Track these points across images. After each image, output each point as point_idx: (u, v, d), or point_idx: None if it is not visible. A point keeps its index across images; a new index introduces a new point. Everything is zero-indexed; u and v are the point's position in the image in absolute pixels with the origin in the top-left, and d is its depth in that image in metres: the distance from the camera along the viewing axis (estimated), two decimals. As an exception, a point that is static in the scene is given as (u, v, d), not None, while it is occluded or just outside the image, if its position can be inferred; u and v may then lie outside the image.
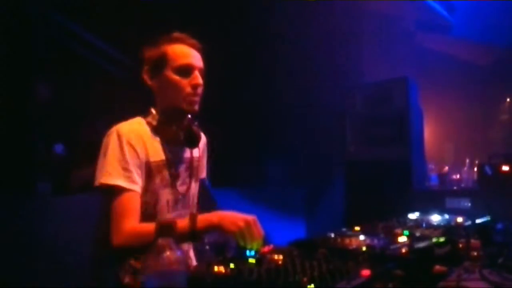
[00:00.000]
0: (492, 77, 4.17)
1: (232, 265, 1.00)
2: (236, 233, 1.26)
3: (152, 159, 1.47)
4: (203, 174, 1.77)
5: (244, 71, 3.60)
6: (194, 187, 1.64)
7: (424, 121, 3.74)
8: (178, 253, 0.91)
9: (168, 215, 1.50)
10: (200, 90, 1.49)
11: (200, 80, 1.48)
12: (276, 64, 3.79)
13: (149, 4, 3.04)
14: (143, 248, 1.28)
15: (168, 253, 0.90)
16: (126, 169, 1.39)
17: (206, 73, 1.55)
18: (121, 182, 1.38)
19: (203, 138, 1.73)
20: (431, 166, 3.57)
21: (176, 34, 1.51)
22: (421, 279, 1.07)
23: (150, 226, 1.31)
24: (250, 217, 1.31)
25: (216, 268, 0.98)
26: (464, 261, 1.27)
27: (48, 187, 2.66)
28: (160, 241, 0.91)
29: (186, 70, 1.47)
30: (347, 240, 1.27)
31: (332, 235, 1.36)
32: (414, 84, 3.54)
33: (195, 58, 1.50)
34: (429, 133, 4.02)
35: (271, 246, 1.21)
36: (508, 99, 4.29)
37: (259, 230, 1.29)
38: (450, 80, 4.15)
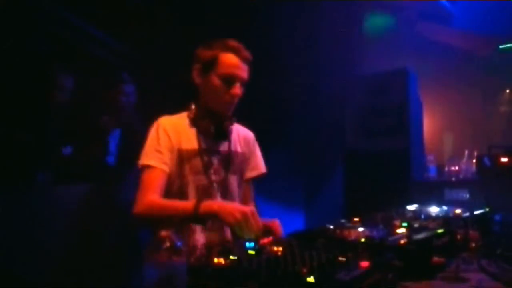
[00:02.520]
0: (492, 68, 4.16)
1: (231, 256, 1.00)
2: (233, 224, 1.32)
3: (184, 146, 1.61)
4: (251, 173, 1.83)
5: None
6: (233, 180, 1.71)
7: (423, 112, 3.73)
8: (178, 244, 0.91)
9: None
10: (237, 99, 1.62)
11: (239, 92, 1.60)
12: (275, 55, 3.76)
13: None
14: (159, 220, 1.51)
15: (168, 244, 0.91)
16: (158, 151, 1.57)
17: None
18: (151, 161, 1.55)
19: (248, 136, 1.84)
20: (430, 157, 3.57)
21: (232, 43, 1.62)
22: (420, 270, 1.08)
23: (169, 202, 1.52)
24: (248, 209, 1.35)
25: (215, 259, 0.99)
26: (462, 252, 1.28)
27: (48, 177, 2.66)
28: (161, 232, 0.91)
29: (230, 80, 1.59)
30: (346, 232, 1.28)
31: (331, 226, 1.37)
32: (413, 75, 3.53)
33: (241, 70, 1.61)
34: (428, 124, 4.01)
35: (271, 237, 1.21)
36: (507, 90, 4.28)
37: (257, 222, 1.33)
38: (450, 71, 4.14)
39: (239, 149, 1.76)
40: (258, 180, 1.92)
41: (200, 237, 1.58)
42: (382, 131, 3.49)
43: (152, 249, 0.92)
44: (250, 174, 1.83)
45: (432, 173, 3.51)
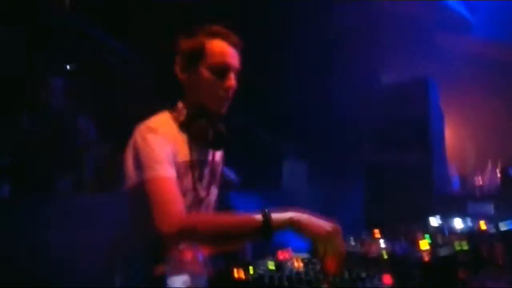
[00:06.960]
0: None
1: (251, 271, 1.00)
2: (321, 239, 1.08)
3: (179, 159, 1.35)
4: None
5: (260, 72, 3.61)
6: (214, 193, 1.51)
7: (445, 123, 3.67)
8: (200, 256, 0.92)
9: None
10: (232, 93, 1.39)
11: (234, 83, 1.37)
12: (294, 64, 3.77)
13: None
14: (204, 239, 1.12)
15: (190, 256, 0.91)
16: (162, 162, 1.26)
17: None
18: (162, 172, 1.24)
19: None
20: (452, 169, 3.50)
21: (218, 28, 1.39)
22: (445, 286, 1.05)
23: (218, 216, 1.26)
24: (337, 225, 1.14)
25: (236, 274, 0.98)
26: (488, 268, 1.24)
27: (68, 185, 2.69)
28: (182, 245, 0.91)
29: (222, 70, 1.35)
30: (367, 246, 1.26)
31: (352, 240, 1.35)
32: (434, 85, 3.49)
33: (233, 58, 1.38)
34: (451, 135, 3.94)
35: (289, 249, 1.20)
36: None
37: (343, 242, 1.12)
38: (472, 80, 4.07)
39: (219, 158, 1.54)
40: (278, 191, 1.89)
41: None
42: (402, 143, 3.45)
43: (173, 261, 0.92)
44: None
45: (455, 185, 3.44)
